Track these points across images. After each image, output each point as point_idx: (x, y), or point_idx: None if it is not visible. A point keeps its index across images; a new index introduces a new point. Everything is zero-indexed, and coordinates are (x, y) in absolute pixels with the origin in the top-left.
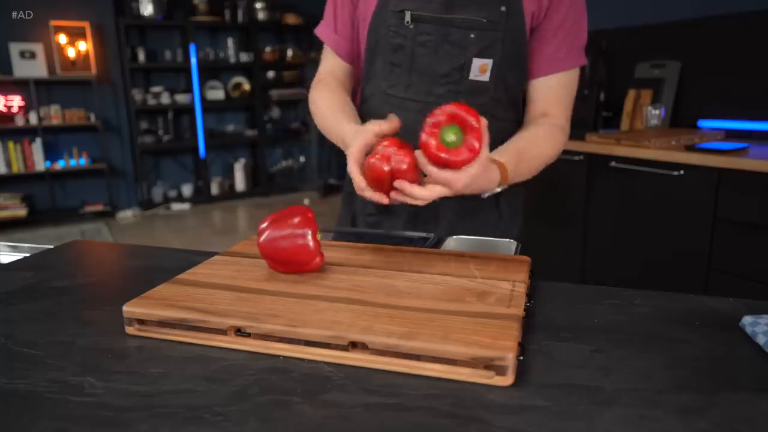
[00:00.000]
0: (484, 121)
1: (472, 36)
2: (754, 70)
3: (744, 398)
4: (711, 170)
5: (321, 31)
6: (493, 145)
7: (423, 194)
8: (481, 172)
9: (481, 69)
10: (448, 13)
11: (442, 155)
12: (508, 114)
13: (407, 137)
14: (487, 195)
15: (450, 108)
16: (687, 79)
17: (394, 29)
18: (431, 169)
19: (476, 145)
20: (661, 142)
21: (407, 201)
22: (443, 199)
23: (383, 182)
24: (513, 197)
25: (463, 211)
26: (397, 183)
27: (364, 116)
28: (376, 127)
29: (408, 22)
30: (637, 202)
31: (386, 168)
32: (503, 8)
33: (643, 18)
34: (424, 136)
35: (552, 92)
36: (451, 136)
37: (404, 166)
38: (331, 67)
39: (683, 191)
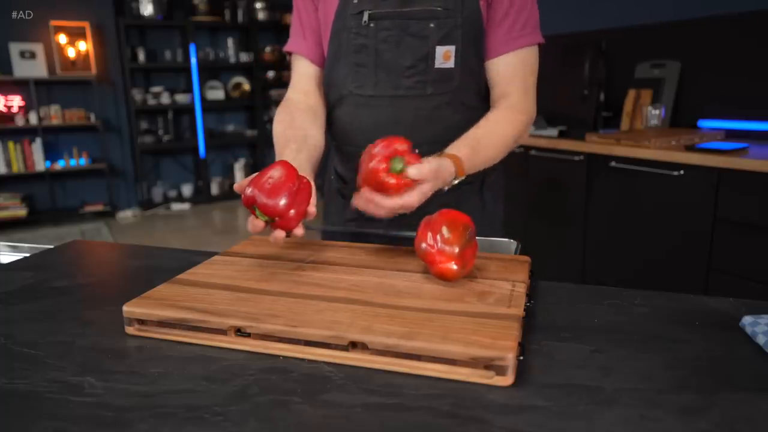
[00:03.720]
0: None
1: (431, 25)
2: (754, 70)
3: (744, 398)
4: (711, 170)
5: (289, 44)
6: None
7: (389, 204)
8: (433, 180)
9: (445, 56)
10: (405, 7)
11: (391, 181)
12: (476, 101)
13: (379, 134)
14: (446, 189)
15: (390, 143)
16: (687, 79)
17: (356, 30)
18: (388, 202)
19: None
20: (661, 142)
21: (370, 210)
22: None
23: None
24: (494, 185)
25: (445, 204)
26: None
27: (336, 121)
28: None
29: (366, 21)
30: (637, 202)
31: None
32: None
33: (643, 18)
34: (373, 164)
35: (510, 71)
36: (398, 165)
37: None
38: (300, 79)
39: (683, 191)
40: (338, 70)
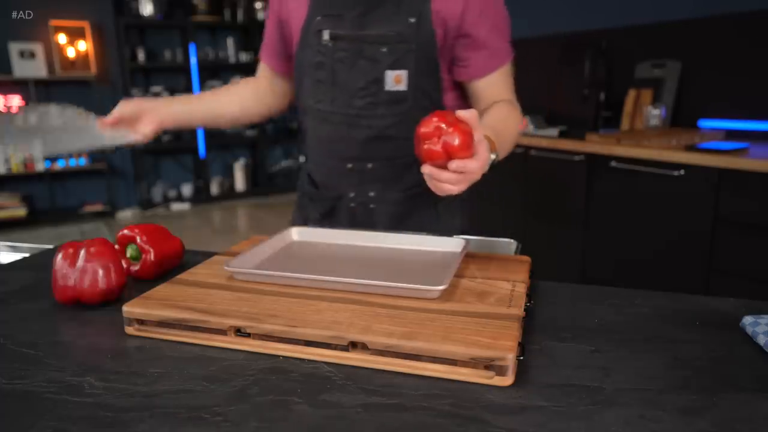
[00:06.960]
0: (471, 113)
1: (383, 50)
2: (754, 70)
3: (744, 398)
4: (711, 170)
5: (261, 53)
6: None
7: (446, 176)
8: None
9: (396, 80)
10: (361, 30)
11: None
12: None
13: (333, 148)
14: (491, 162)
15: (434, 121)
16: (687, 79)
17: (316, 48)
18: (449, 171)
19: (468, 140)
20: (662, 142)
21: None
22: (377, 206)
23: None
24: (448, 199)
25: (398, 215)
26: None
27: (304, 130)
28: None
29: (326, 40)
30: (637, 202)
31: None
32: (412, 20)
33: (643, 18)
34: (427, 146)
35: (497, 86)
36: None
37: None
38: (258, 77)
39: (683, 191)
40: (303, 83)
